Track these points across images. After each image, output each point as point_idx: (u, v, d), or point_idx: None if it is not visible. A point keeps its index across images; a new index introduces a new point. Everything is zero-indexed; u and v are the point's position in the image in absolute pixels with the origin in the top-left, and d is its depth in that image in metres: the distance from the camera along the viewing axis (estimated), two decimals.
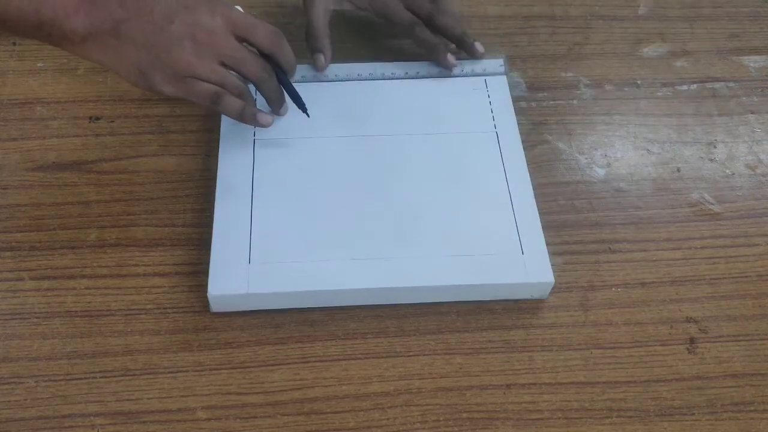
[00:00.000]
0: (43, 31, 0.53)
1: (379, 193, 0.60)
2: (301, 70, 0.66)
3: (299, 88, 0.63)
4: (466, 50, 0.69)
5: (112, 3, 0.53)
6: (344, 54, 0.71)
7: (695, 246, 0.61)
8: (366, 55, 0.71)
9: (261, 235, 0.57)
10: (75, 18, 0.53)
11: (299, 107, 0.62)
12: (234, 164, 0.61)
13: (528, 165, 0.62)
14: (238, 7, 0.58)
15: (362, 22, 0.74)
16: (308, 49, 0.67)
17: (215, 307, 0.55)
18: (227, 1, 0.58)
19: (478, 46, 0.68)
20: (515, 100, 0.68)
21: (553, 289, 0.57)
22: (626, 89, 0.72)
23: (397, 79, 0.68)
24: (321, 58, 0.66)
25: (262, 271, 0.55)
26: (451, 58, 0.67)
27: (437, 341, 0.55)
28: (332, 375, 0.53)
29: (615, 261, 0.60)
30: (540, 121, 0.69)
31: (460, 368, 0.54)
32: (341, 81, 0.67)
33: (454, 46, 0.69)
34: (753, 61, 0.75)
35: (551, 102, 0.71)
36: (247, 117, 0.60)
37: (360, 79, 0.67)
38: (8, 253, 0.58)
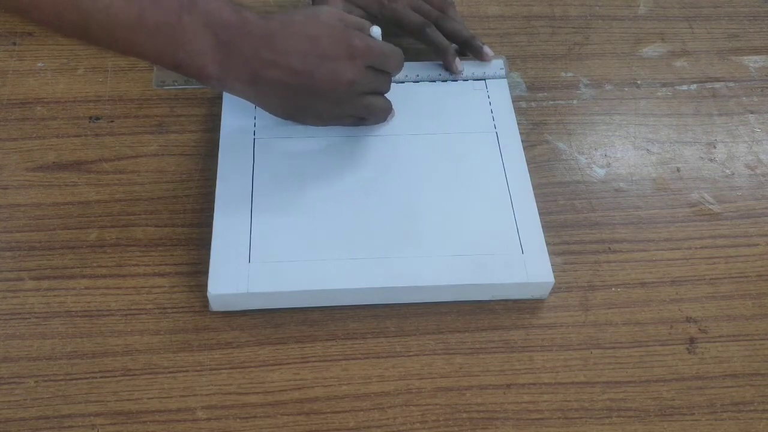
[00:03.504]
0: (180, 71, 0.53)
1: (378, 193, 0.60)
2: None
3: None
4: (474, 53, 0.69)
5: (248, 53, 0.53)
6: None
7: (695, 246, 0.61)
8: None
9: (261, 235, 0.57)
10: (212, 66, 0.53)
11: None
12: (234, 164, 0.61)
13: (528, 165, 0.62)
14: (375, 28, 0.58)
15: None
16: None
17: (215, 306, 0.55)
18: (359, 24, 0.58)
19: (488, 50, 0.68)
20: (515, 100, 0.68)
21: (553, 289, 0.57)
22: (626, 89, 0.72)
23: (397, 82, 0.68)
24: None
25: (262, 271, 0.55)
26: (458, 63, 0.67)
27: (437, 341, 0.55)
28: (332, 375, 0.53)
29: (615, 261, 0.60)
30: (540, 121, 0.69)
31: (460, 368, 0.54)
32: None
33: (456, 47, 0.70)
34: (753, 61, 0.75)
35: (551, 102, 0.71)
36: (389, 115, 0.63)
37: None
38: (8, 253, 0.58)
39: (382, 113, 0.62)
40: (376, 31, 0.59)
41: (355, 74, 0.56)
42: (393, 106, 0.64)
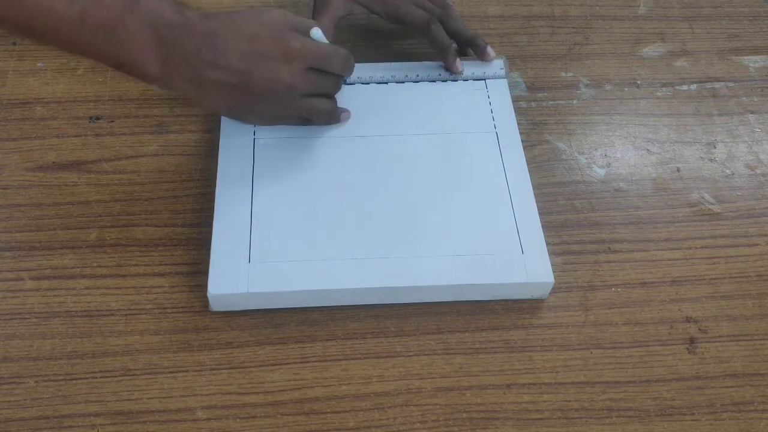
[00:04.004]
0: (123, 71, 0.53)
1: (378, 193, 0.60)
2: None
3: None
4: (477, 52, 0.69)
5: (190, 53, 0.53)
6: None
7: (695, 246, 0.61)
8: (367, 58, 0.71)
9: (261, 235, 0.57)
10: (154, 66, 0.53)
11: None
12: (234, 164, 0.61)
13: (528, 165, 0.62)
14: (315, 30, 0.58)
15: (363, 25, 0.74)
16: None
17: (215, 306, 0.55)
18: (303, 25, 0.58)
19: (490, 51, 0.68)
20: (515, 100, 0.68)
21: (553, 289, 0.57)
22: (626, 89, 0.72)
23: (397, 82, 0.68)
24: None
25: (261, 271, 0.55)
26: (458, 63, 0.67)
27: (437, 341, 0.55)
28: (332, 375, 0.53)
29: (615, 261, 0.60)
30: (540, 121, 0.69)
31: (460, 368, 0.54)
32: (342, 83, 0.67)
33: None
34: (753, 61, 0.75)
35: (551, 102, 0.71)
36: (335, 117, 0.63)
37: (360, 81, 0.67)
38: (8, 253, 0.58)
39: (325, 116, 0.62)
40: (316, 32, 0.58)
41: (293, 76, 0.56)
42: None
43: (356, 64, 0.68)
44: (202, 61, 0.53)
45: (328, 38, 0.66)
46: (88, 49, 0.52)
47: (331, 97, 0.62)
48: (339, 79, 0.61)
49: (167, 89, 0.56)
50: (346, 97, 0.66)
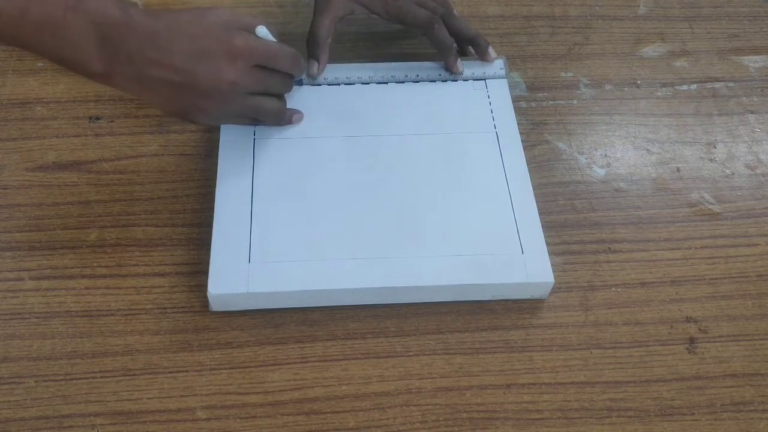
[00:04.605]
0: (65, 66, 0.53)
1: (378, 193, 0.60)
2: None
3: (302, 89, 0.65)
4: (478, 51, 0.69)
5: (133, 51, 0.52)
6: (345, 56, 0.71)
7: (695, 246, 0.61)
8: (367, 58, 0.71)
9: (261, 235, 0.57)
10: (97, 64, 0.52)
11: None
12: (234, 164, 0.61)
13: (528, 165, 0.62)
14: (261, 28, 0.58)
15: (363, 25, 0.74)
16: (306, 52, 0.67)
17: (215, 306, 0.55)
18: (249, 23, 0.57)
19: (492, 51, 0.68)
20: (515, 100, 0.68)
21: (553, 289, 0.57)
22: (626, 89, 0.72)
23: (397, 82, 0.68)
24: (315, 66, 0.66)
25: (261, 271, 0.55)
26: (459, 64, 0.67)
27: (437, 341, 0.55)
28: (332, 375, 0.53)
29: (615, 261, 0.60)
30: (540, 121, 0.69)
31: (460, 368, 0.54)
32: (342, 83, 0.67)
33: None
34: (753, 61, 0.75)
35: (551, 102, 0.71)
36: (285, 118, 0.62)
37: (361, 81, 0.67)
38: (8, 253, 0.58)
39: (273, 115, 0.61)
40: (261, 30, 0.57)
41: (237, 74, 0.55)
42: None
43: (356, 64, 0.68)
44: (146, 60, 0.53)
45: (325, 39, 0.66)
46: (29, 44, 0.51)
47: (280, 96, 0.61)
48: (288, 78, 0.60)
49: (110, 86, 0.55)
50: (346, 96, 0.66)
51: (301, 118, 0.64)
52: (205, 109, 0.57)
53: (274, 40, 0.58)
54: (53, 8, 0.50)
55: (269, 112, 0.60)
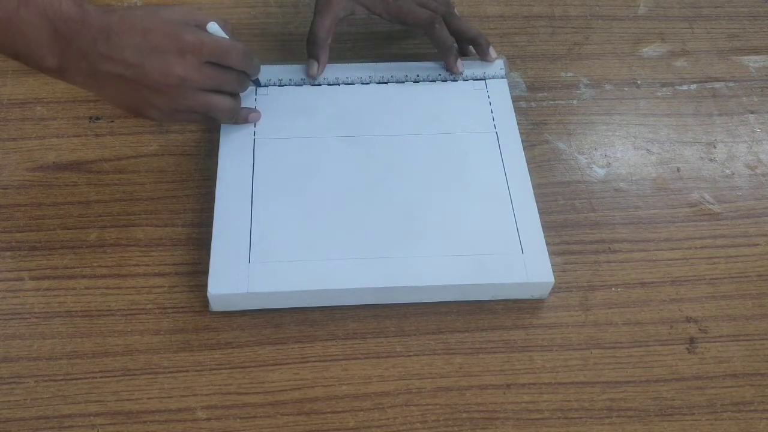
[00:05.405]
0: (20, 61, 0.53)
1: (378, 193, 0.60)
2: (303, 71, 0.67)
3: (302, 89, 0.66)
4: (479, 52, 0.68)
5: (86, 46, 0.53)
6: (345, 56, 0.71)
7: (695, 246, 0.62)
8: (367, 58, 0.71)
9: (261, 235, 0.57)
10: (51, 58, 0.52)
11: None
12: (234, 164, 0.61)
13: (528, 165, 0.62)
14: (212, 24, 0.57)
15: (363, 25, 0.74)
16: (306, 52, 0.67)
17: (215, 306, 0.55)
18: (201, 20, 0.57)
19: (493, 51, 0.68)
20: (515, 100, 0.68)
21: (553, 289, 0.57)
22: (626, 89, 0.72)
23: (397, 82, 0.68)
24: (315, 66, 0.66)
25: (261, 271, 0.55)
26: (459, 64, 0.67)
27: (437, 341, 0.55)
28: (332, 375, 0.53)
29: (615, 261, 0.60)
30: (540, 121, 0.69)
31: (460, 368, 0.54)
32: (342, 83, 0.67)
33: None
34: (753, 61, 0.75)
35: (551, 102, 0.71)
36: (239, 116, 0.62)
37: (361, 81, 0.67)
38: (8, 253, 0.58)
39: (225, 113, 0.60)
40: (212, 26, 0.57)
41: (187, 69, 0.55)
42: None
43: (356, 64, 0.68)
44: (98, 55, 0.53)
45: (325, 40, 0.66)
46: None
47: (234, 94, 0.61)
48: (241, 76, 0.60)
49: (65, 81, 0.55)
50: (346, 96, 0.66)
51: (258, 117, 0.63)
52: (156, 105, 0.57)
53: (227, 36, 0.58)
54: (6, 3, 0.50)
55: (221, 110, 0.60)
